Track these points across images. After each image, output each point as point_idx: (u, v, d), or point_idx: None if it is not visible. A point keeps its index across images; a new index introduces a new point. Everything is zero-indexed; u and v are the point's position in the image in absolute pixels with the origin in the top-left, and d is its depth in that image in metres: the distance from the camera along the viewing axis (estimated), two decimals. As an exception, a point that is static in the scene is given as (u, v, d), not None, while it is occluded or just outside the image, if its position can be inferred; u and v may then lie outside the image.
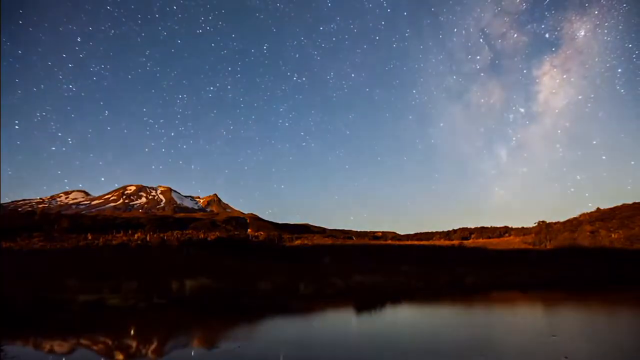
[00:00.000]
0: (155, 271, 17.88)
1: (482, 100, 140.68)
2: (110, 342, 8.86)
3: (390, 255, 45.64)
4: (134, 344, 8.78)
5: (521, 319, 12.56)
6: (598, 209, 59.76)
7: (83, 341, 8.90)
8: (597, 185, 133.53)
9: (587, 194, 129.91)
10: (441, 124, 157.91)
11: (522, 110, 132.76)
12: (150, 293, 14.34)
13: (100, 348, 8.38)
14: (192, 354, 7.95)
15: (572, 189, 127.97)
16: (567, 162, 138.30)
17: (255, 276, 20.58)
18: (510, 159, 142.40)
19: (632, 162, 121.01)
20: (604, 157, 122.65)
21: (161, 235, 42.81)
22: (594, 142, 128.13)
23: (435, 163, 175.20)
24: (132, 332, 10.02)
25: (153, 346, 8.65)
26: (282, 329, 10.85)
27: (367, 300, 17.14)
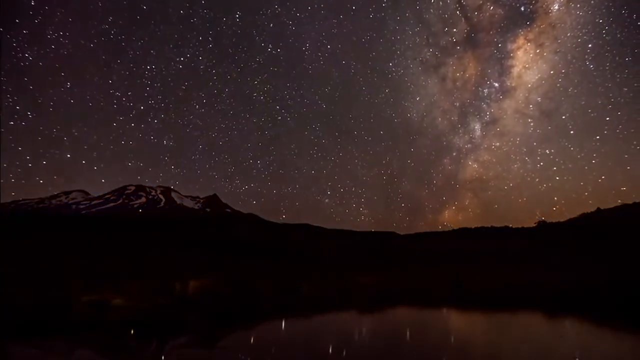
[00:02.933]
0: (157, 272, 17.88)
1: (458, 74, 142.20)
2: (112, 343, 8.85)
3: (394, 256, 45.64)
4: (135, 344, 8.77)
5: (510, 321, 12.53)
6: (598, 208, 59.80)
7: (85, 342, 8.89)
8: (565, 159, 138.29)
9: (554, 168, 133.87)
10: (417, 98, 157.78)
11: (496, 84, 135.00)
12: (153, 293, 14.36)
13: (102, 349, 8.37)
14: (194, 354, 7.94)
15: (541, 163, 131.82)
16: (537, 136, 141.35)
17: (256, 276, 20.57)
18: (484, 134, 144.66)
19: (597, 137, 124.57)
20: (572, 132, 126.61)
21: (161, 235, 42.76)
22: (563, 117, 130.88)
23: (412, 137, 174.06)
24: (132, 332, 10.02)
25: (154, 346, 8.65)
26: (282, 331, 10.84)
27: (369, 304, 17.14)
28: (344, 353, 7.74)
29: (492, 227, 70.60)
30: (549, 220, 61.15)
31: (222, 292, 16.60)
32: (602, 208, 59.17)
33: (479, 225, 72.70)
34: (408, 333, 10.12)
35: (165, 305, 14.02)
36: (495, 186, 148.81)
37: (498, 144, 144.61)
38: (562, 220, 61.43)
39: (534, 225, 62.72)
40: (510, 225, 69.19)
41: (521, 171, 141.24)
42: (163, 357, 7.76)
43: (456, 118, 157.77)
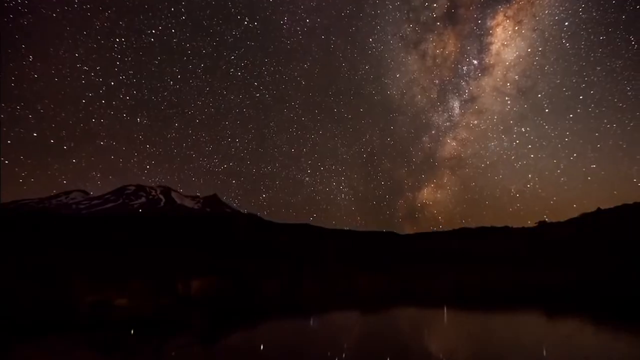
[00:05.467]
0: (158, 272, 17.88)
1: (438, 51, 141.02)
2: (112, 343, 8.85)
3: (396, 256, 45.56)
4: (135, 344, 8.77)
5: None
6: (598, 208, 59.86)
7: (87, 341, 8.89)
8: (540, 137, 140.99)
9: (529, 146, 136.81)
10: (397, 75, 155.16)
11: (475, 62, 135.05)
12: (155, 293, 14.38)
13: (103, 348, 8.37)
14: (195, 354, 7.94)
15: (517, 141, 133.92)
16: (514, 114, 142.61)
17: (256, 276, 20.58)
18: (463, 112, 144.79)
19: (571, 115, 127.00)
20: (547, 111, 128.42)
21: (162, 235, 42.72)
22: (539, 96, 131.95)
23: (392, 115, 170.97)
24: (132, 332, 10.03)
25: (155, 346, 8.65)
26: (283, 331, 10.84)
27: (370, 303, 17.11)
28: (345, 353, 7.74)
29: (492, 227, 70.69)
30: (549, 220, 61.20)
31: (223, 292, 16.61)
32: (602, 208, 59.21)
33: (479, 225, 72.86)
34: (409, 333, 10.12)
35: (167, 305, 14.02)
36: (473, 164, 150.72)
37: (476, 121, 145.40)
38: (562, 220, 61.55)
39: (534, 225, 62.80)
40: (511, 225, 69.34)
41: (498, 149, 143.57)
42: (163, 357, 7.76)
43: (435, 96, 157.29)
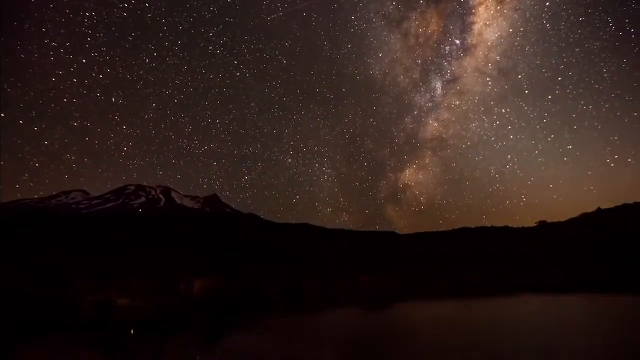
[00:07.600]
0: (159, 272, 17.89)
1: (421, 30, 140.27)
2: (113, 342, 8.85)
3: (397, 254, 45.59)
4: (135, 344, 8.77)
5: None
6: (599, 208, 59.93)
7: (88, 341, 8.89)
8: (519, 119, 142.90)
9: (509, 127, 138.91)
10: (380, 54, 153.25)
11: (457, 42, 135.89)
12: (157, 293, 14.38)
13: (104, 348, 8.37)
14: (196, 354, 7.94)
15: (497, 122, 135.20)
16: (495, 95, 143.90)
17: (257, 276, 20.57)
18: (445, 92, 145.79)
19: (550, 97, 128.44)
20: (527, 92, 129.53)
21: (162, 235, 42.67)
22: (519, 77, 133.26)
23: (375, 96, 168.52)
24: (132, 332, 10.03)
25: (155, 346, 8.64)
26: (284, 329, 10.83)
27: (370, 302, 17.09)
28: (346, 351, 7.75)
29: (493, 227, 70.65)
30: (549, 220, 61.26)
31: (223, 291, 16.60)
32: (602, 208, 59.32)
33: (479, 225, 72.82)
34: (409, 332, 10.12)
35: (168, 305, 14.02)
36: (454, 145, 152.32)
37: (458, 102, 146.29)
38: (562, 220, 61.59)
39: (535, 225, 62.87)
40: (511, 225, 69.29)
41: (479, 130, 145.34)
42: (163, 357, 7.77)
43: (418, 76, 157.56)
